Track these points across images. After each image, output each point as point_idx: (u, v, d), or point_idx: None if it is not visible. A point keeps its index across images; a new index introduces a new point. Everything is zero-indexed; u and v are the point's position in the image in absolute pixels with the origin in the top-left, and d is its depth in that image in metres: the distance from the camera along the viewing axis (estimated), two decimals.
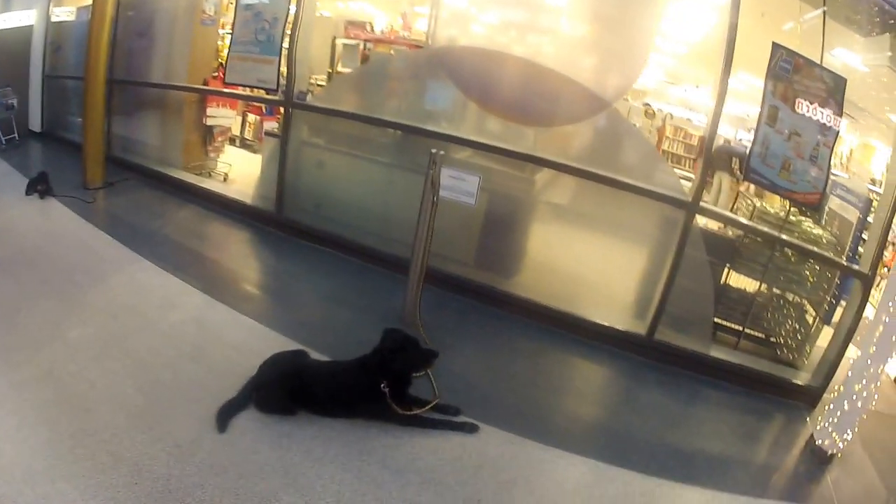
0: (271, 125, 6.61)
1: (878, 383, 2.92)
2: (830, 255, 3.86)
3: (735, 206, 5.15)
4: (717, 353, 3.89)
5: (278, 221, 4.83)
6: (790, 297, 4.17)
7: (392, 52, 6.25)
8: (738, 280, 4.20)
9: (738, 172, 5.46)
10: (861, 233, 3.89)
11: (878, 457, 3.26)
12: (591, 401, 3.46)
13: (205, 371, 2.81)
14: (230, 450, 2.33)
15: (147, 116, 5.75)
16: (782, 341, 4.12)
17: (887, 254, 4.22)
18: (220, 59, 6.01)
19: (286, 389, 2.62)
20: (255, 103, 6.76)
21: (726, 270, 4.15)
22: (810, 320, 4.03)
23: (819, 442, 3.09)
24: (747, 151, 5.09)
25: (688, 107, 9.31)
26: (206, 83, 5.66)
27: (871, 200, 3.94)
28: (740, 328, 4.13)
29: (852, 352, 3.65)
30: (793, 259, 4.05)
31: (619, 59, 3.92)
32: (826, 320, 3.96)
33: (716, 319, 4.09)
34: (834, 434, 3.01)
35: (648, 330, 3.88)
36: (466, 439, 2.67)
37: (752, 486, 2.81)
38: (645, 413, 3.30)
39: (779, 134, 3.54)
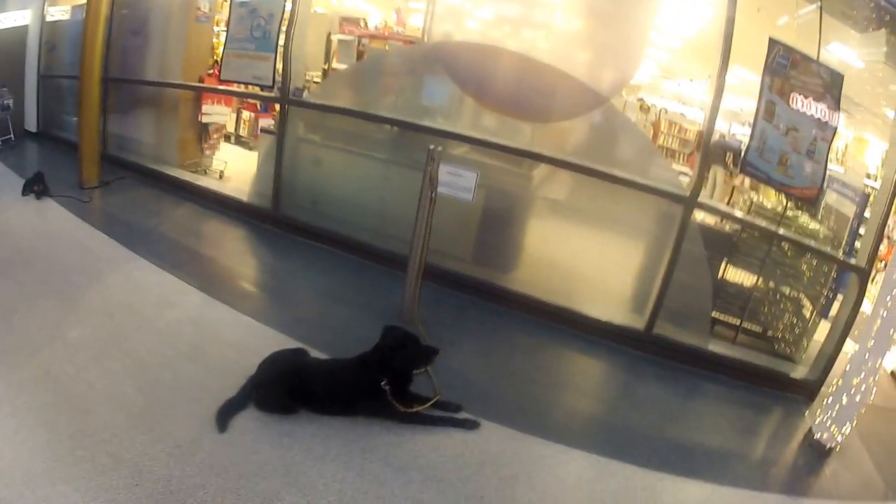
0: (267, 122, 6.58)
1: (876, 377, 2.94)
2: (827, 249, 3.88)
3: (731, 201, 5.18)
4: (715, 347, 3.92)
5: (275, 218, 4.81)
6: (787, 291, 4.19)
7: (387, 47, 6.22)
8: (734, 274, 4.22)
9: (732, 166, 5.50)
10: (858, 227, 3.91)
11: (876, 450, 3.28)
12: (590, 396, 3.47)
13: (203, 370, 2.79)
14: (231, 449, 2.32)
15: (142, 114, 5.71)
16: (779, 335, 4.14)
17: (882, 248, 4.24)
18: (215, 57, 5.97)
19: (286, 388, 2.61)
20: (251, 100, 6.71)
21: (723, 265, 4.16)
22: (807, 314, 4.05)
23: (818, 436, 3.11)
24: (741, 145, 5.14)
25: (682, 101, 9.31)
26: (201, 80, 5.61)
27: (868, 195, 3.96)
28: (738, 322, 4.14)
29: (849, 346, 3.68)
30: (789, 253, 4.07)
31: (617, 55, 3.91)
32: (823, 314, 3.98)
33: (713, 314, 4.11)
34: (832, 428, 3.04)
35: (647, 325, 3.90)
36: (468, 436, 2.68)
37: (752, 480, 2.83)
38: (644, 407, 3.31)
39: (776, 129, 3.55)
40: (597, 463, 2.70)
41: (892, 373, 4.27)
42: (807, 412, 3.58)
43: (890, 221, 3.63)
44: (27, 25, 5.94)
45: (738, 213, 4.18)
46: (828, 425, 3.06)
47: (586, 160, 3.90)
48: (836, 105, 3.53)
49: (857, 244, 3.89)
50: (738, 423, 3.36)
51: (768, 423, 3.56)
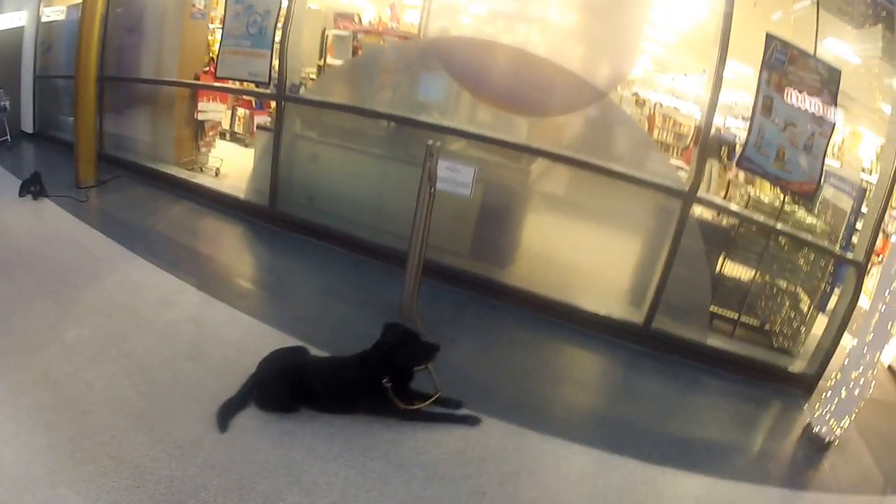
0: (262, 119, 6.54)
1: (875, 371, 2.96)
2: (825, 243, 3.89)
3: (728, 195, 5.18)
4: (714, 341, 3.93)
5: (272, 216, 4.78)
6: (784, 285, 4.21)
7: (382, 42, 6.19)
8: (732, 269, 4.23)
9: (727, 160, 5.52)
10: (855, 221, 3.92)
11: (874, 443, 3.31)
12: (590, 390, 3.48)
13: (203, 370, 2.78)
14: (232, 449, 2.31)
15: (138, 113, 5.68)
16: (777, 329, 4.16)
17: (878, 241, 4.27)
18: (210, 54, 5.93)
19: (286, 386, 2.60)
20: (246, 97, 6.67)
21: (721, 259, 4.18)
22: (805, 308, 4.07)
23: (817, 429, 3.13)
24: (735, 139, 5.15)
25: (675, 95, 9.32)
26: (197, 78, 5.57)
27: (865, 189, 3.97)
28: (736, 317, 4.16)
29: (847, 340, 3.71)
30: (786, 248, 4.09)
31: (614, 49, 3.90)
32: (820, 308, 4.00)
33: (711, 308, 4.12)
34: (832, 421, 3.06)
35: (645, 319, 3.91)
36: (469, 432, 2.68)
37: (752, 473, 2.85)
38: (644, 402, 3.33)
39: (774, 124, 3.56)
40: (598, 458, 2.71)
41: (890, 367, 4.30)
42: (805, 406, 3.61)
43: (885, 216, 3.63)
44: (23, 27, 5.93)
45: (736, 208, 4.18)
46: (827, 419, 3.08)
47: (585, 155, 3.90)
48: (833, 100, 3.54)
49: (854, 238, 3.90)
50: (738, 417, 3.38)
51: (767, 417, 3.58)
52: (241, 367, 2.72)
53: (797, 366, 3.89)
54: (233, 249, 4.59)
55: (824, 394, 3.24)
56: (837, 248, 3.92)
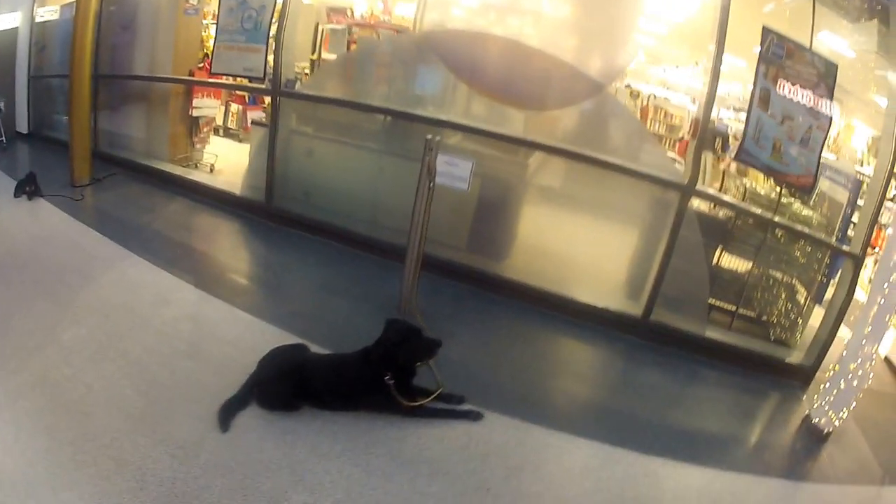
0: (256, 114, 6.49)
1: (873, 362, 2.99)
2: (821, 236, 3.91)
3: (724, 187, 5.20)
4: (712, 333, 3.95)
5: (268, 211, 4.75)
6: (781, 277, 4.23)
7: (376, 35, 6.12)
8: (729, 261, 4.24)
9: (721, 151, 5.54)
10: (851, 214, 3.94)
11: (871, 433, 3.35)
12: (591, 383, 3.49)
13: (202, 368, 2.75)
14: (234, 449, 2.29)
15: (133, 110, 5.63)
16: (775, 321, 4.19)
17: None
18: (205, 50, 5.87)
19: (288, 385, 2.58)
20: (239, 92, 6.61)
21: (718, 251, 4.19)
22: (802, 300, 4.10)
23: (815, 420, 3.16)
24: (728, 129, 5.15)
25: (667, 87, 9.33)
26: (191, 74, 5.53)
27: (861, 181, 3.99)
28: (733, 309, 4.18)
29: (843, 331, 3.74)
30: (783, 240, 4.10)
31: (613, 41, 3.88)
32: (817, 300, 4.03)
33: (709, 300, 4.13)
34: (830, 412, 3.09)
35: (644, 311, 3.92)
36: (472, 427, 2.68)
37: (753, 465, 2.88)
38: (645, 394, 3.35)
39: (772, 118, 3.56)
40: (600, 450, 2.72)
41: (886, 358, 4.35)
42: (804, 397, 3.64)
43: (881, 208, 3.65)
44: (17, 28, 5.90)
45: (734, 201, 4.19)
46: (825, 410, 3.11)
47: (583, 148, 3.88)
48: (830, 94, 3.55)
49: (850, 230, 3.93)
50: (737, 409, 3.41)
51: (766, 409, 3.61)
52: (241, 366, 2.70)
53: (794, 357, 3.93)
54: (229, 246, 4.56)
55: (822, 385, 3.27)
56: (833, 240, 3.94)
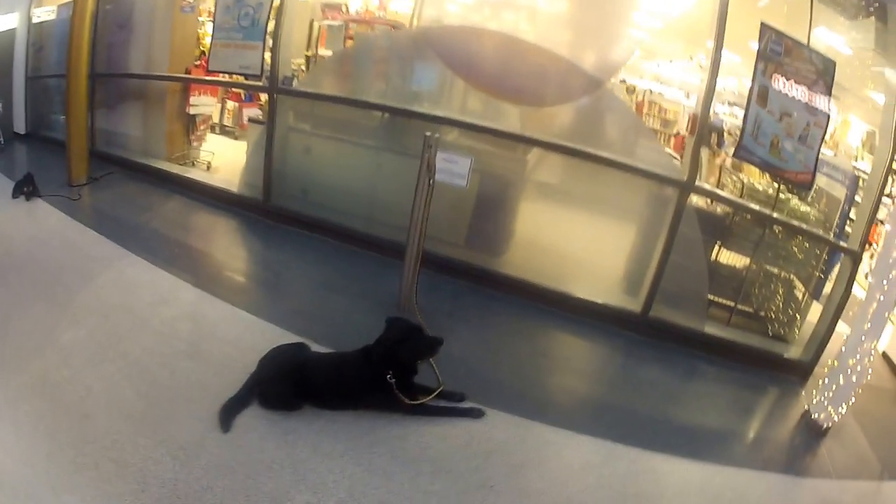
0: (253, 112, 6.45)
1: (872, 358, 3.00)
2: (819, 232, 3.93)
3: (721, 182, 5.20)
4: (711, 329, 3.96)
5: (266, 209, 4.72)
6: (779, 273, 4.25)
7: (371, 30, 6.09)
8: (728, 257, 4.26)
9: (717, 146, 5.55)
10: (849, 210, 3.95)
11: (870, 428, 3.37)
12: (591, 379, 3.50)
13: (202, 368, 2.73)
14: (236, 449, 2.28)
15: (130, 109, 5.59)
16: (773, 316, 4.21)
17: None
18: (201, 47, 5.84)
19: (289, 384, 2.57)
20: (236, 90, 6.56)
21: (717, 247, 4.20)
22: (799, 296, 4.11)
23: (814, 415, 3.18)
24: (723, 124, 5.16)
25: (661, 82, 9.33)
26: (188, 72, 5.49)
27: (858, 177, 4.01)
28: (732, 304, 4.19)
29: (841, 326, 3.76)
30: (781, 236, 4.11)
31: (612, 37, 3.87)
32: (815, 295, 4.04)
33: (708, 296, 4.14)
34: (829, 408, 3.10)
35: (643, 307, 3.92)
36: (474, 425, 2.68)
37: (752, 460, 2.89)
38: (644, 390, 3.36)
39: (770, 114, 3.56)
40: (602, 447, 2.72)
41: (884, 353, 4.37)
42: (802, 392, 3.66)
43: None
44: (14, 29, 5.88)
45: (732, 197, 4.20)
46: (824, 405, 3.12)
47: (583, 144, 3.87)
48: (828, 91, 3.55)
49: (848, 227, 3.94)
50: (736, 404, 3.43)
51: (765, 404, 3.64)
52: (241, 365, 2.69)
53: (793, 353, 3.95)
54: (227, 244, 4.53)
55: (821, 381, 3.29)
56: (831, 236, 3.96)
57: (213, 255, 4.25)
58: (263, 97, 5.72)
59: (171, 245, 4.09)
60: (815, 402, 3.22)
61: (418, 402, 2.67)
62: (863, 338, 2.98)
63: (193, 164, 5.78)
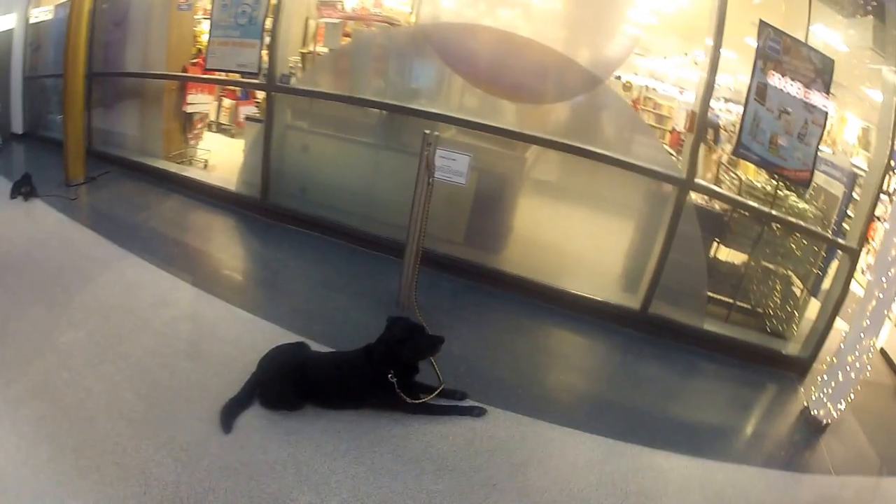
0: (249, 109, 6.41)
1: (871, 355, 3.02)
2: (818, 229, 3.94)
3: (718, 179, 5.22)
4: (710, 326, 3.97)
5: (264, 207, 4.71)
6: (777, 269, 4.26)
7: (367, 28, 6.05)
8: (726, 253, 4.27)
9: (714, 143, 5.57)
10: (846, 207, 3.97)
11: (868, 424, 3.40)
12: (591, 376, 3.50)
13: (203, 369, 2.72)
14: (238, 450, 2.27)
15: (127, 108, 5.58)
16: (771, 313, 4.22)
17: None
18: (198, 45, 5.80)
19: (290, 384, 2.56)
20: (233, 88, 6.52)
21: (715, 244, 4.21)
22: (797, 292, 4.13)
23: (814, 412, 3.20)
24: (718, 119, 5.16)
25: (656, 78, 9.34)
26: (185, 70, 5.45)
27: (856, 175, 4.02)
28: (731, 301, 4.21)
29: (839, 323, 3.78)
30: (779, 233, 4.12)
31: (611, 34, 3.86)
32: (813, 292, 4.06)
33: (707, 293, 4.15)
34: (828, 404, 3.12)
35: (642, 304, 3.93)
36: (476, 423, 2.68)
37: (753, 456, 2.91)
38: (645, 387, 3.37)
39: (769, 112, 3.57)
40: (603, 444, 2.73)
41: (882, 349, 4.40)
42: (801, 389, 3.68)
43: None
44: (12, 29, 5.90)
45: (731, 194, 4.21)
46: (824, 402, 3.14)
47: (582, 141, 3.87)
48: (826, 89, 3.56)
49: (845, 223, 3.96)
50: (736, 401, 3.45)
51: (764, 400, 3.65)
52: (242, 365, 2.68)
53: (791, 349, 3.97)
54: (226, 243, 4.51)
55: (820, 377, 3.31)
56: (829, 233, 3.97)
57: (212, 254, 4.23)
58: (260, 95, 5.69)
59: (170, 244, 4.07)
60: (814, 398, 3.24)
61: (420, 401, 2.66)
62: (861, 335, 3.00)
63: (191, 163, 5.76)
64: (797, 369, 3.83)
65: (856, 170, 4.16)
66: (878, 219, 4.31)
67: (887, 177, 3.69)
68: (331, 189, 4.59)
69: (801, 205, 4.10)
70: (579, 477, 2.50)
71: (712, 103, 6.67)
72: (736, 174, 4.77)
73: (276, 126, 4.58)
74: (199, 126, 5.96)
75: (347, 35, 5.73)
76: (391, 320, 2.70)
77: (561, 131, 4.01)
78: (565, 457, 2.61)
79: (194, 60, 5.61)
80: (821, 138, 3.60)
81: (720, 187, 4.49)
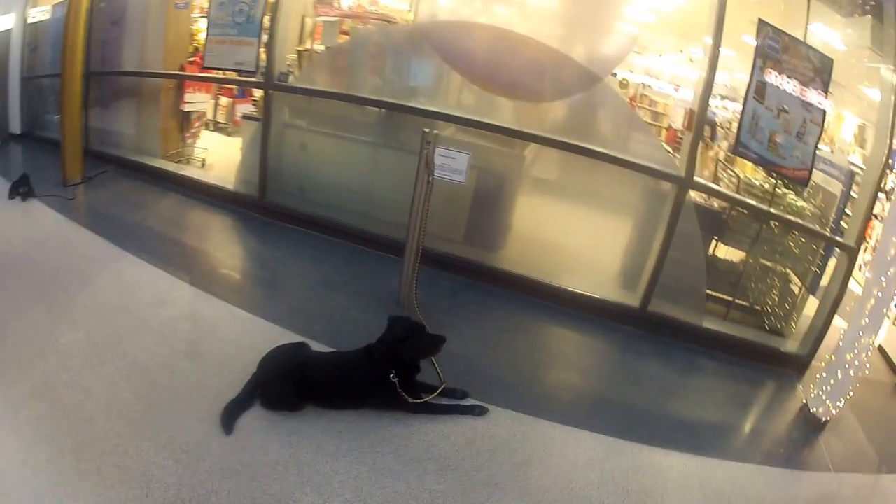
0: (246, 107, 6.39)
1: (870, 353, 3.03)
2: (816, 227, 3.96)
3: (716, 176, 5.23)
4: (708, 323, 3.99)
5: (262, 206, 4.69)
6: (776, 267, 4.27)
7: (364, 26, 6.03)
8: (725, 251, 4.28)
9: (710, 140, 5.59)
10: (844, 205, 3.98)
11: (866, 421, 3.42)
12: (591, 374, 3.51)
13: (203, 369, 2.71)
14: (240, 451, 2.26)
15: (124, 107, 5.55)
16: (770, 311, 4.24)
17: None
18: (195, 44, 5.79)
19: (290, 384, 2.55)
20: (229, 86, 6.49)
21: (714, 242, 4.22)
22: (796, 290, 4.15)
23: (813, 409, 3.21)
24: (716, 117, 5.17)
25: (651, 75, 9.35)
26: (182, 68, 5.43)
27: (854, 173, 4.04)
28: (730, 299, 4.22)
29: (837, 320, 3.80)
30: (777, 231, 4.14)
31: (611, 33, 3.86)
32: (812, 290, 4.08)
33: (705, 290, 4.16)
34: (827, 402, 3.13)
35: (642, 302, 3.94)
36: (477, 422, 2.68)
37: (752, 454, 2.92)
38: (644, 385, 3.38)
39: (768, 110, 3.57)
40: (604, 442, 2.74)
41: (880, 347, 4.42)
42: (800, 386, 3.70)
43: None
44: (10, 30, 5.88)
45: (730, 193, 4.22)
46: (823, 399, 3.16)
47: (580, 139, 3.87)
48: (825, 88, 3.57)
49: (843, 222, 3.97)
50: (735, 398, 3.46)
51: (763, 398, 3.66)
52: (242, 365, 2.67)
53: (790, 346, 3.98)
54: (224, 242, 4.50)
55: (818, 375, 3.32)
56: (827, 231, 3.99)
57: (210, 253, 4.22)
58: (257, 93, 5.66)
59: (168, 244, 4.06)
60: (813, 396, 3.25)
61: (421, 400, 2.66)
62: (860, 333, 3.01)
63: (188, 162, 5.74)
64: (796, 367, 3.85)
65: (854, 168, 4.18)
66: (876, 217, 4.32)
67: (885, 175, 3.69)
68: (329, 187, 4.58)
69: (800, 203, 4.11)
70: (580, 475, 2.50)
71: (710, 101, 6.68)
72: (734, 171, 4.78)
73: (274, 124, 4.56)
74: (197, 125, 5.93)
75: (345, 33, 5.71)
76: (392, 319, 2.70)
77: (560, 129, 4.01)
78: (566, 455, 2.62)
79: (191, 59, 5.58)
80: (819, 137, 3.61)
81: (718, 185, 4.51)
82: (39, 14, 5.91)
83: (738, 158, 4.19)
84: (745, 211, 4.08)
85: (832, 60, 3.56)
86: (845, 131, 6.09)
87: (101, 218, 4.29)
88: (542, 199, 4.45)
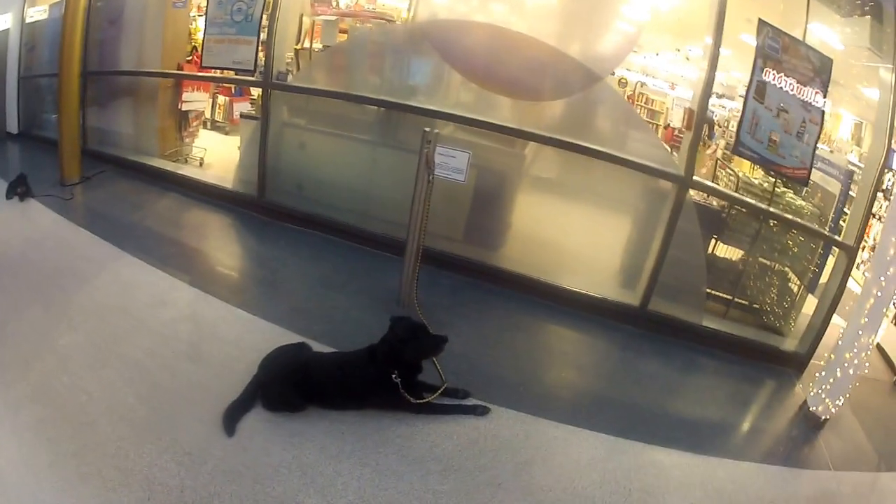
0: (244, 106, 6.36)
1: (869, 352, 3.05)
2: (815, 226, 3.97)
3: (716, 175, 5.24)
4: (708, 322, 3.99)
5: (261, 205, 4.67)
6: (775, 266, 4.29)
7: (361, 25, 6.00)
8: (724, 250, 4.29)
9: (707, 138, 5.61)
10: (843, 205, 4.00)
11: (865, 419, 3.44)
12: (592, 373, 3.51)
13: (203, 370, 2.70)
14: (242, 453, 2.26)
15: (122, 106, 5.51)
16: (768, 309, 4.26)
17: None
18: (193, 43, 5.77)
19: (292, 385, 2.54)
20: (228, 85, 6.46)
21: (713, 241, 4.23)
22: (795, 289, 4.16)
23: (812, 408, 3.23)
24: (714, 116, 5.16)
25: (648, 74, 9.36)
26: (180, 67, 5.40)
27: (852, 172, 4.05)
28: (729, 297, 4.23)
29: (836, 319, 3.81)
30: (776, 229, 4.15)
31: (611, 32, 3.86)
32: (810, 289, 4.09)
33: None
34: (826, 400, 3.15)
35: (642, 301, 3.95)
36: (479, 422, 2.68)
37: (753, 452, 2.93)
38: (645, 383, 3.38)
39: (767, 110, 3.58)
40: (606, 441, 2.75)
41: (879, 345, 4.45)
42: (799, 385, 3.72)
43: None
44: (7, 29, 5.84)
45: (729, 191, 4.23)
46: (822, 398, 3.17)
47: (581, 138, 3.86)
48: (824, 88, 3.58)
49: (842, 221, 3.99)
50: (735, 397, 3.47)
51: (763, 396, 3.68)
52: (243, 366, 2.66)
53: (789, 345, 4.00)
54: (223, 242, 4.48)
55: (818, 373, 3.33)
56: (826, 230, 4.00)
57: (209, 253, 4.20)
58: (255, 92, 5.63)
59: (167, 244, 4.03)
60: (812, 394, 3.26)
61: (424, 400, 2.66)
62: (859, 332, 3.03)
63: (186, 161, 5.71)
64: (795, 365, 3.86)
65: (852, 167, 4.19)
66: (874, 215, 4.34)
67: (884, 175, 3.71)
68: (328, 186, 4.56)
69: (799, 202, 4.13)
70: (582, 475, 2.51)
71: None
72: (732, 170, 4.79)
73: (272, 123, 4.54)
74: (195, 124, 5.90)
75: (344, 32, 5.68)
76: (394, 320, 2.69)
77: (560, 128, 4.01)
78: (568, 455, 2.62)
79: (189, 58, 5.56)
80: (818, 137, 3.62)
81: (717, 183, 4.51)
82: (37, 14, 5.89)
83: (737, 157, 4.20)
84: (744, 210, 4.09)
85: (832, 60, 3.57)
86: (844, 131, 6.12)
87: (99, 218, 4.26)
88: (542, 198, 4.44)
